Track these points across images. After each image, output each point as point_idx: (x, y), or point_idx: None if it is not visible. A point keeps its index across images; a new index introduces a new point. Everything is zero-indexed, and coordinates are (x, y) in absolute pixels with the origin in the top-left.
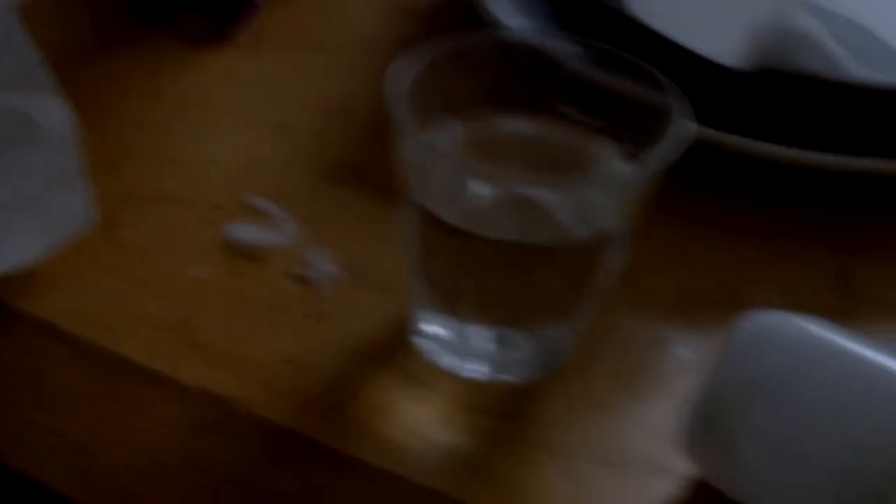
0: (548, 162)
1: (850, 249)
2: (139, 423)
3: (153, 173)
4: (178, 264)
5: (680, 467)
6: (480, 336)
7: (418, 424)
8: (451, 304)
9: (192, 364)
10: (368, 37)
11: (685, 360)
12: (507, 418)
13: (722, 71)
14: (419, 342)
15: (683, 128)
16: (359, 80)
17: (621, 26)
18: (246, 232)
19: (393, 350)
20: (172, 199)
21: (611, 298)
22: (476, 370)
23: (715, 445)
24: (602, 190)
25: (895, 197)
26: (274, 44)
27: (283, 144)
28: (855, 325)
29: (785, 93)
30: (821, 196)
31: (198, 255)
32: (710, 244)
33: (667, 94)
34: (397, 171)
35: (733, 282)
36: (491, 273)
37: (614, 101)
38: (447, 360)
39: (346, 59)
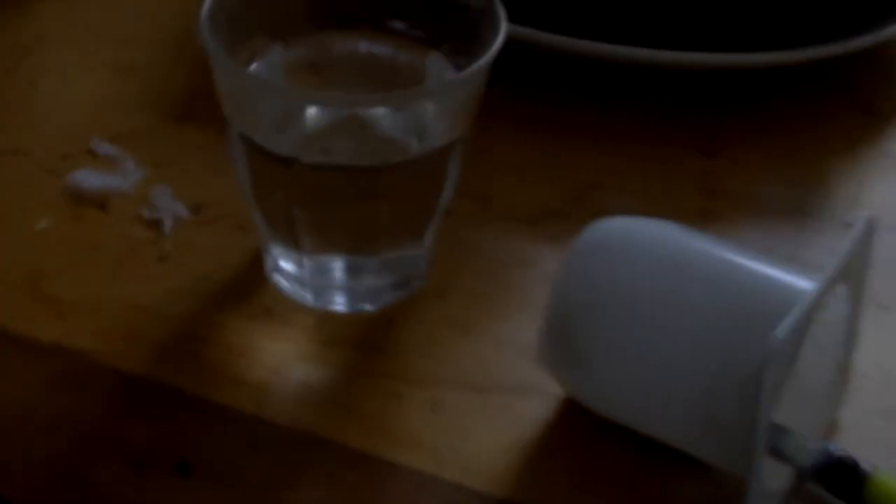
0: (377, 80)
1: (710, 150)
2: None
3: None
4: (21, 217)
5: (546, 386)
6: (329, 266)
7: (277, 363)
8: (294, 238)
9: (43, 318)
10: None
11: (545, 276)
12: (368, 350)
13: None
14: (273, 277)
15: (501, 28)
16: (194, 14)
17: None
18: (88, 178)
19: (247, 288)
20: (11, 151)
21: (464, 218)
22: (332, 302)
23: (568, 360)
24: (427, 99)
25: (751, 94)
26: None
27: (122, 85)
28: (719, 226)
29: None
30: (675, 99)
31: (41, 206)
32: (563, 156)
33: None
34: (220, 104)
35: (590, 191)
36: (328, 201)
37: (438, 11)
38: (302, 295)
39: None
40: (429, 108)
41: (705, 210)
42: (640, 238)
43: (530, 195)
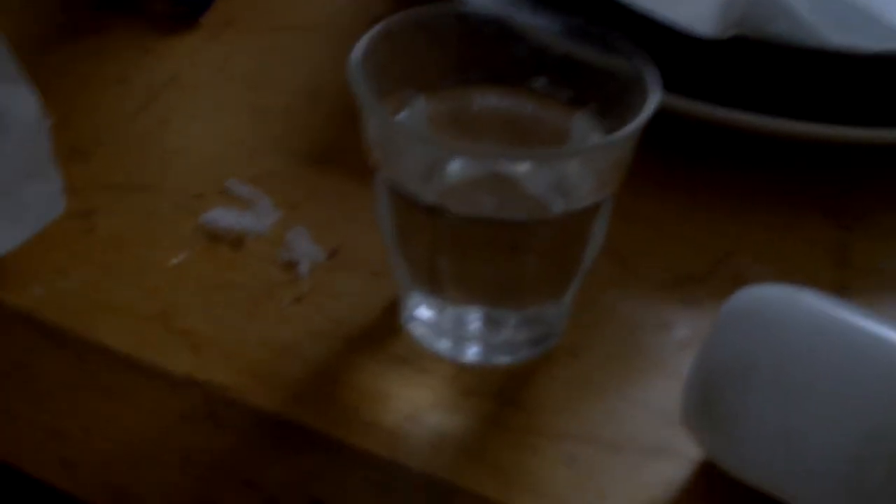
0: (519, 137)
1: (846, 220)
2: (123, 412)
3: (125, 161)
4: (155, 252)
5: (682, 448)
6: (468, 317)
7: (412, 409)
8: (435, 286)
9: (176, 352)
10: (338, 17)
11: (682, 339)
12: (503, 402)
13: (695, 41)
14: (409, 325)
15: (653, 95)
16: (330, 60)
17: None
18: (223, 217)
19: (381, 334)
20: (146, 187)
21: (601, 278)
22: (467, 353)
23: (712, 424)
24: (576, 161)
25: (888, 164)
26: (241, 27)
27: (256, 128)
28: (855, 298)
29: (760, 61)
30: (812, 167)
31: (175, 242)
32: (701, 220)
33: (636, 62)
34: (367, 151)
35: (728, 258)
36: (470, 252)
37: (584, 72)
38: (437, 343)
39: (316, 39)
40: (574, 168)
41: (839, 281)
42: (791, 306)
43: (667, 258)
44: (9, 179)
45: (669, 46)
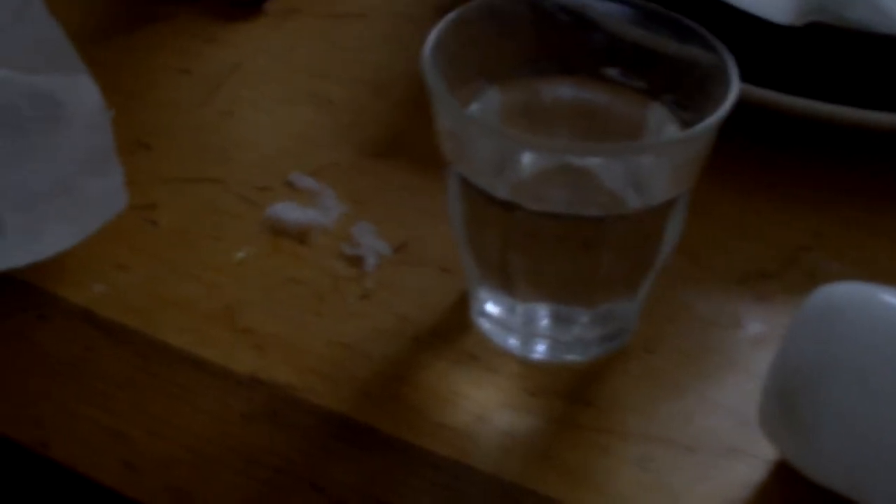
0: (594, 128)
1: None
2: (186, 413)
3: (187, 153)
4: (219, 247)
5: (757, 449)
6: (539, 314)
7: (480, 409)
8: (506, 282)
9: (240, 350)
10: (402, 5)
11: (755, 336)
12: (574, 401)
13: (770, 27)
14: (478, 321)
15: (733, 86)
16: (394, 49)
17: None
18: (288, 211)
19: (449, 330)
20: (209, 179)
21: (673, 274)
22: (537, 350)
23: (790, 426)
24: (653, 155)
25: None
26: (303, 14)
27: (319, 119)
28: None
29: (837, 49)
30: (893, 159)
31: (239, 236)
32: (775, 214)
33: (714, 52)
34: (439, 143)
35: (802, 253)
36: (543, 248)
37: (659, 61)
38: (507, 340)
39: (380, 27)
40: (650, 162)
41: None
42: (872, 305)
43: (740, 253)
44: (70, 173)
45: (743, 33)
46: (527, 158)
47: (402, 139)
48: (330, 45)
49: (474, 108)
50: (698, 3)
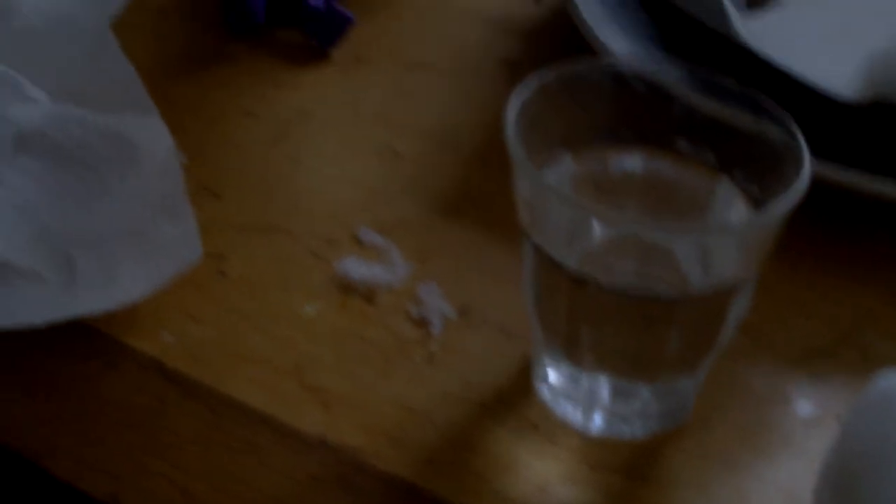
0: (663, 200)
1: None
2: (254, 471)
3: (256, 201)
4: (288, 300)
5: None
6: (600, 386)
7: (541, 480)
8: (570, 351)
9: (309, 409)
10: (469, 56)
11: (809, 416)
12: (631, 476)
13: (836, 103)
14: (539, 388)
15: (805, 169)
16: (460, 102)
17: (731, 52)
18: (356, 268)
19: (512, 396)
20: (278, 229)
21: (730, 349)
22: (596, 421)
23: None
24: (725, 236)
25: None
26: (371, 62)
27: (386, 170)
28: None
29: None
30: None
31: (308, 290)
32: (830, 291)
33: (787, 130)
34: (518, 210)
35: (858, 333)
36: (610, 323)
37: (730, 135)
38: (567, 410)
39: (447, 79)
40: (718, 242)
41: None
42: None
43: (795, 330)
44: (142, 216)
45: (806, 106)
46: (597, 229)
47: (468, 196)
48: (396, 96)
49: (548, 174)
50: (766, 74)
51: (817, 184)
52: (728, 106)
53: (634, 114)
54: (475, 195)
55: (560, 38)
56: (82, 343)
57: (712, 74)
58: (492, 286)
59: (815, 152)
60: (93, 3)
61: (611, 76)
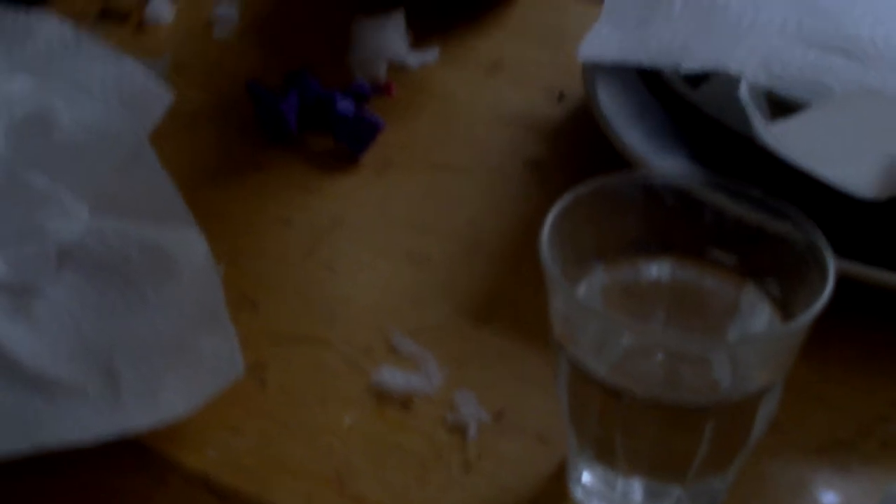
0: (691, 307)
1: None
2: None
3: (293, 310)
4: (326, 410)
5: None
6: (633, 488)
7: None
8: (604, 456)
9: None
10: (495, 157)
11: None
12: None
13: (857, 202)
14: (575, 490)
15: (830, 277)
16: (488, 203)
17: (753, 154)
18: (393, 377)
19: (548, 500)
20: (314, 339)
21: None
22: None
23: None
24: (754, 347)
25: None
26: (400, 165)
27: (418, 276)
28: None
29: None
30: None
31: (345, 400)
32: (852, 383)
33: (811, 236)
34: (551, 322)
35: (879, 423)
36: (643, 431)
37: (755, 242)
38: None
39: (474, 181)
40: (750, 351)
41: None
42: None
43: (819, 421)
44: (182, 329)
45: (831, 207)
46: (629, 338)
47: (499, 300)
48: (426, 199)
49: (582, 286)
50: (788, 174)
51: (844, 281)
52: (753, 214)
53: (663, 224)
54: (505, 299)
55: (583, 138)
56: (130, 458)
57: (737, 183)
58: (525, 391)
59: (838, 249)
60: (131, 117)
61: (643, 189)
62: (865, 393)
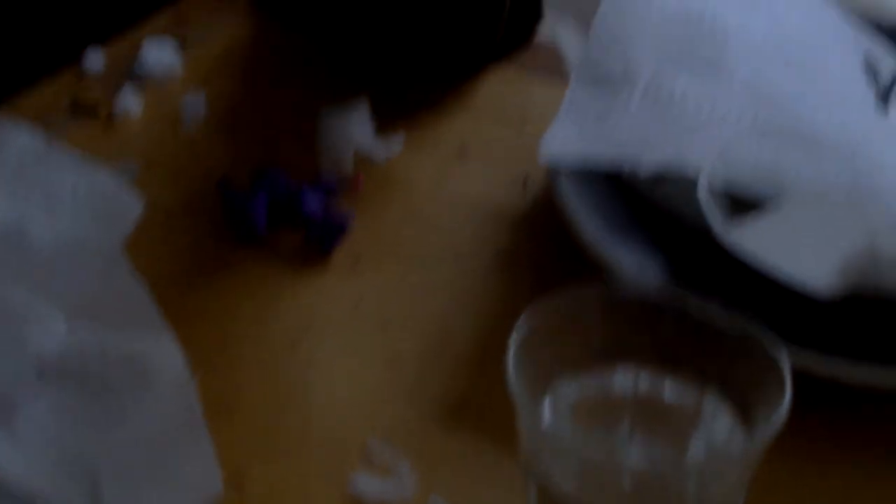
0: (655, 417)
1: None
2: None
3: (270, 416)
4: None
5: None
6: None
7: None
8: None
9: None
10: (463, 247)
11: None
12: None
13: (814, 299)
14: None
15: (789, 389)
16: (457, 296)
17: (714, 249)
18: (367, 485)
19: None
20: (290, 449)
21: None
22: None
23: None
24: (720, 461)
25: None
26: (370, 260)
27: (390, 376)
28: None
29: (882, 318)
30: None
31: None
32: (821, 479)
33: (769, 346)
34: (518, 437)
35: None
36: None
37: (718, 351)
38: None
39: (443, 273)
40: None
41: None
42: None
43: None
44: (162, 444)
45: (790, 304)
46: (595, 458)
47: (470, 399)
48: (395, 293)
49: (547, 400)
50: (742, 276)
51: (807, 377)
52: (713, 323)
53: (625, 334)
54: (475, 399)
55: (549, 226)
56: None
57: (697, 294)
58: (497, 495)
59: (796, 341)
60: (104, 227)
61: (603, 301)
62: (838, 488)
